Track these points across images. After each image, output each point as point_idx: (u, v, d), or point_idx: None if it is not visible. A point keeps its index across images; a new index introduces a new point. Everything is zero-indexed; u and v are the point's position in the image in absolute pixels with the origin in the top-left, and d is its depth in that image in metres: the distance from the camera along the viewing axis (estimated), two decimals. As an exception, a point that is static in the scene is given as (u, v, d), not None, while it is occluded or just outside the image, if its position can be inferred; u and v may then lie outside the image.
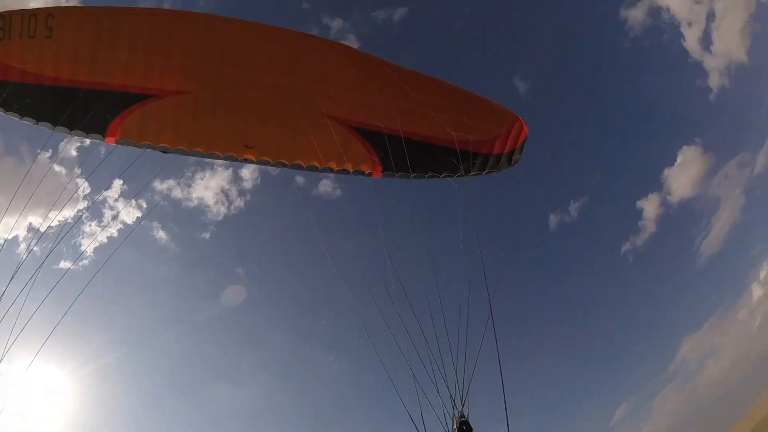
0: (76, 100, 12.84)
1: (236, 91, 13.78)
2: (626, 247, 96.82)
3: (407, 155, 14.87)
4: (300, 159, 14.72)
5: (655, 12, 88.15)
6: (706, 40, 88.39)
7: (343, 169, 15.10)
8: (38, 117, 13.06)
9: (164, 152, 14.25)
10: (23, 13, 11.85)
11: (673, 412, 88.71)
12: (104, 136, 13.62)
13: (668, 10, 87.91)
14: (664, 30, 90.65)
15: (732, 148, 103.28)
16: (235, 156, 14.64)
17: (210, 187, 79.29)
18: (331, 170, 15.01)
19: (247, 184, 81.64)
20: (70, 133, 13.46)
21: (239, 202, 79.37)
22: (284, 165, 14.83)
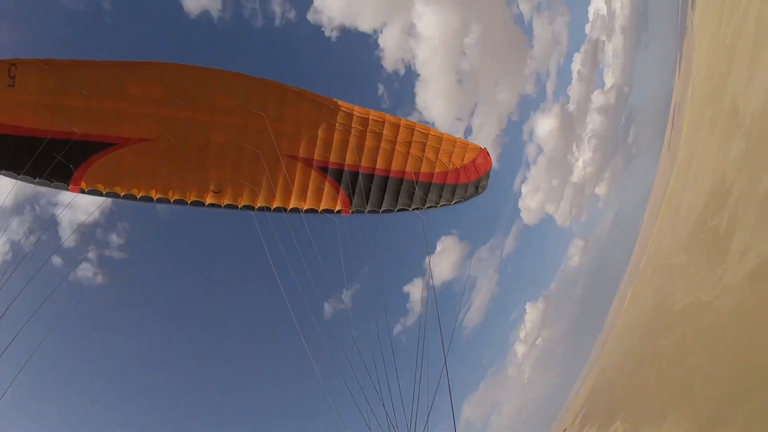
0: (39, 149, 12.84)
1: (199, 136, 14.03)
2: (398, 328, 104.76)
3: (374, 191, 15.46)
4: (267, 201, 15.01)
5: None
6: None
7: (312, 209, 15.38)
8: (1, 165, 12.93)
9: (131, 200, 14.21)
10: None
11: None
12: (68, 185, 13.68)
13: (433, 124, 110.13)
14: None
15: (484, 236, 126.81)
16: (201, 201, 14.85)
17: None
18: (298, 211, 15.27)
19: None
20: (34, 182, 13.31)
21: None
22: (251, 208, 15.08)
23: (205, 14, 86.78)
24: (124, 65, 13.16)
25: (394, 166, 15.37)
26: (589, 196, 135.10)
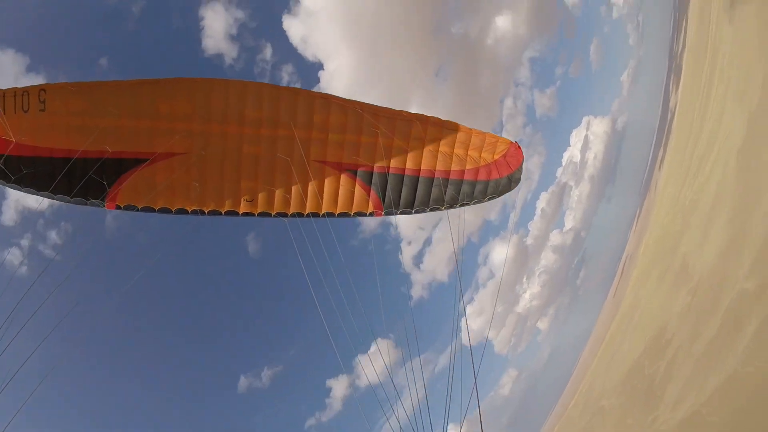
0: (73, 169, 13.29)
1: (230, 147, 14.45)
2: (311, 421, 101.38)
3: (405, 192, 15.60)
4: (300, 208, 15.27)
5: (385, 225, 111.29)
6: (418, 259, 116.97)
7: (345, 212, 15.63)
8: (38, 187, 13.37)
9: (166, 213, 14.65)
10: (16, 90, 12.51)
11: None
12: (104, 202, 14.06)
13: (396, 226, 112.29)
14: (388, 241, 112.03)
15: (420, 347, 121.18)
16: (235, 211, 15.16)
17: None
18: (332, 215, 15.54)
19: None
20: (70, 201, 13.77)
21: None
22: (285, 215, 15.32)
23: (218, 56, 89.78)
24: (152, 83, 13.40)
25: (424, 165, 15.45)
26: (531, 328, 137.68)
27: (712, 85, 45.11)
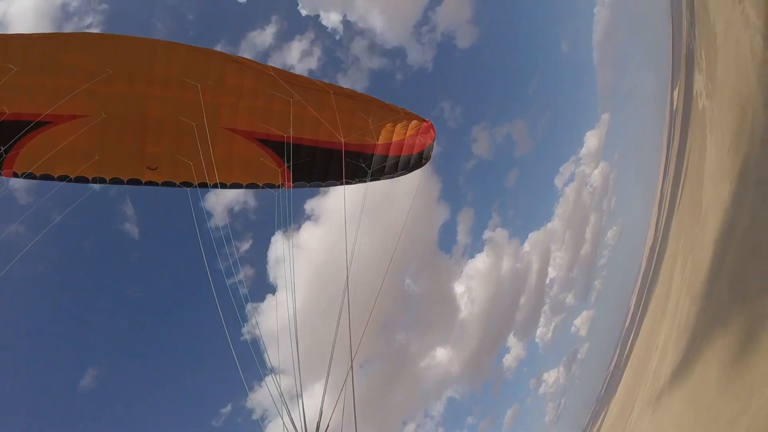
0: None
1: (136, 109, 13.46)
2: None
3: (317, 164, 14.89)
4: (206, 178, 14.15)
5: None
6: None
7: (253, 183, 14.86)
8: None
9: (65, 181, 13.41)
10: None
11: None
12: (1, 169, 12.72)
13: None
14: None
15: None
16: (138, 179, 14.08)
17: None
18: (240, 186, 14.80)
19: None
20: None
21: None
22: (190, 185, 14.29)
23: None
24: (58, 37, 12.54)
25: (337, 138, 14.73)
26: None
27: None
